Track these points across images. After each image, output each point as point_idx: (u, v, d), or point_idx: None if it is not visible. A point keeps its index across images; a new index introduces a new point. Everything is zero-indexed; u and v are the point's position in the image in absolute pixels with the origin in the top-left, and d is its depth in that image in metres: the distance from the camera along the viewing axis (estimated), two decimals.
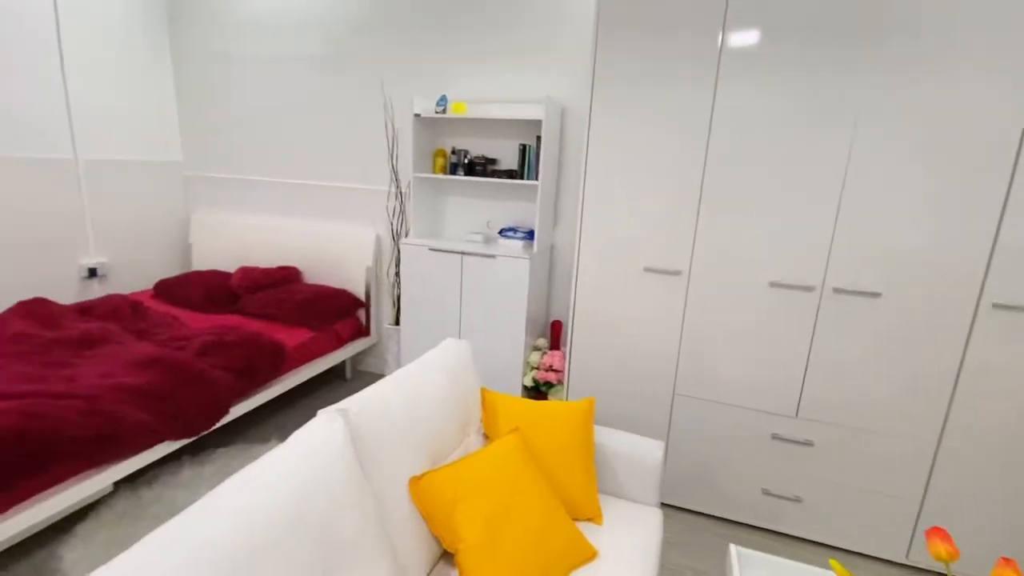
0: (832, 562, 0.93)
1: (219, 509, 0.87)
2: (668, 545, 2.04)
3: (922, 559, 1.95)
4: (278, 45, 3.27)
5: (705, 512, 2.22)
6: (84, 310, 2.71)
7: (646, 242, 2.08)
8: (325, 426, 1.13)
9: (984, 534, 1.85)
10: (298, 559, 0.92)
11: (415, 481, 1.28)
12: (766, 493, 2.10)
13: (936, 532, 0.90)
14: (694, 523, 2.18)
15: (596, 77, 2.02)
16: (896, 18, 1.64)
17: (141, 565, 0.76)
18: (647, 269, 2.10)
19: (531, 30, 2.71)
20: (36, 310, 2.58)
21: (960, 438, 1.81)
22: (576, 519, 1.51)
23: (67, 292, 3.10)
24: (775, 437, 2.05)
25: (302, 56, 3.22)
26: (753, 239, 1.93)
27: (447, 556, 1.37)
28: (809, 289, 1.90)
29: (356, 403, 1.23)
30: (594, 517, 1.51)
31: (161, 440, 1.99)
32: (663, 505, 2.28)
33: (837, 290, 1.87)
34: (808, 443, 2.01)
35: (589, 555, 1.35)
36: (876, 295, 1.82)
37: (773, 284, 1.94)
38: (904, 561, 1.97)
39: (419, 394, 1.39)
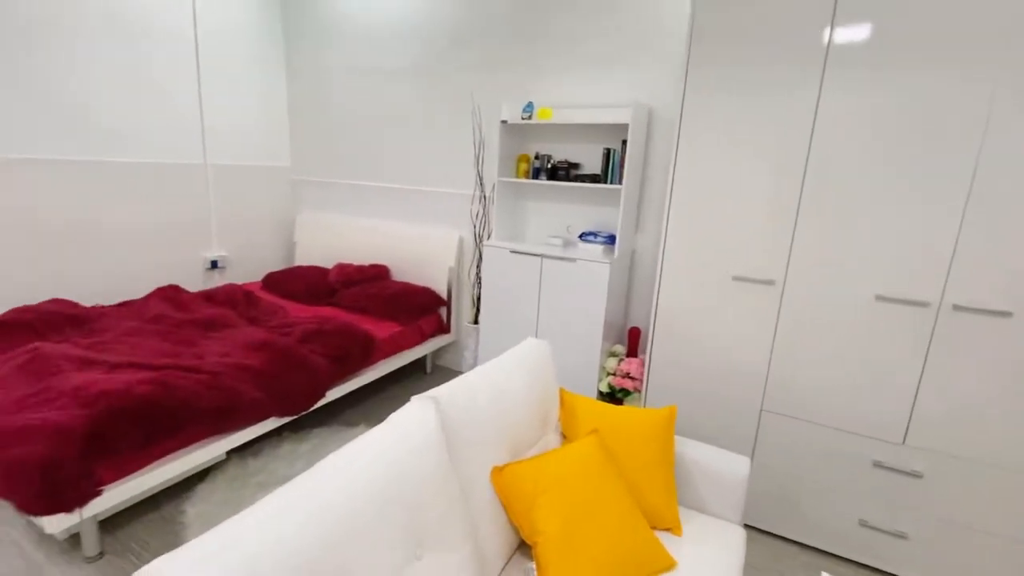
0: None
1: (325, 483, 0.96)
2: (748, 567, 1.95)
3: None
4: (377, 58, 3.51)
5: (791, 538, 2.09)
6: (207, 297, 3.07)
7: (737, 250, 2.00)
8: (418, 411, 1.21)
9: None
10: (393, 534, 1.00)
11: (498, 471, 1.33)
12: (864, 525, 1.94)
13: None
14: (778, 548, 2.06)
15: (688, 82, 1.98)
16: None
17: (264, 522, 0.86)
18: (736, 278, 2.02)
19: (618, 34, 2.71)
20: (170, 295, 2.97)
21: None
22: (654, 528, 1.49)
23: (194, 280, 3.53)
24: (877, 465, 1.89)
25: (398, 68, 3.44)
26: (858, 249, 1.79)
27: (524, 548, 1.40)
28: (923, 305, 1.73)
29: (446, 392, 1.31)
30: (673, 528, 1.48)
31: (268, 416, 2.21)
32: (746, 527, 2.17)
33: (957, 307, 1.69)
34: (916, 474, 1.83)
35: (667, 565, 1.33)
36: (1007, 315, 1.63)
37: (880, 298, 1.79)
38: None
39: (502, 388, 1.45)
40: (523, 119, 2.81)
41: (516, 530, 1.35)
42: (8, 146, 2.62)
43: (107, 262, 3.08)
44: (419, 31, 3.31)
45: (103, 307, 2.82)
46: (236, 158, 3.71)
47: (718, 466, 1.61)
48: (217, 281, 3.66)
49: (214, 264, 3.64)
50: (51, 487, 1.57)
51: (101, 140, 2.97)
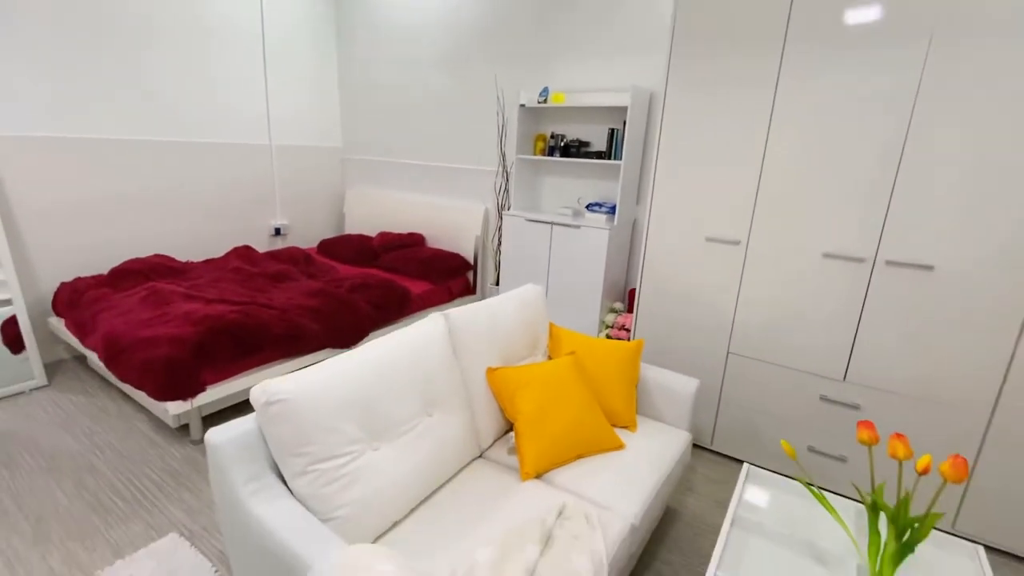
0: (783, 443, 1.23)
1: (371, 350, 1.44)
2: (708, 481, 2.34)
3: (970, 529, 2.01)
4: (416, 50, 3.96)
5: (754, 462, 2.45)
6: (274, 256, 3.67)
7: (709, 214, 2.34)
8: (433, 321, 1.68)
9: None
10: (413, 391, 1.48)
11: (491, 371, 1.78)
12: (812, 450, 2.29)
13: (864, 424, 1.17)
14: (739, 469, 2.43)
15: (671, 72, 2.32)
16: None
17: (333, 367, 1.34)
18: (709, 238, 2.37)
19: (623, 26, 3.03)
20: (244, 253, 3.58)
21: (1013, 415, 1.86)
22: (615, 425, 1.91)
23: (261, 244, 4.15)
24: (823, 398, 2.22)
25: (434, 59, 3.88)
26: (808, 213, 2.11)
27: (511, 432, 1.86)
28: (861, 260, 2.04)
29: (455, 312, 1.77)
30: (629, 425, 1.90)
31: (324, 347, 2.75)
32: (714, 452, 2.55)
33: (889, 262, 1.99)
34: (855, 406, 2.15)
35: (616, 445, 1.75)
36: (928, 268, 1.92)
37: (826, 255, 2.11)
38: (950, 530, 2.05)
39: (497, 314, 1.89)
40: (539, 103, 3.20)
41: (504, 415, 1.81)
42: (117, 129, 3.25)
43: (194, 227, 3.72)
44: (451, 26, 3.73)
45: (192, 262, 3.46)
46: (295, 139, 4.28)
47: (673, 385, 2.00)
48: (280, 246, 4.28)
49: (278, 231, 4.25)
50: (172, 380, 2.15)
51: (189, 125, 3.58)
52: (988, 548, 2.02)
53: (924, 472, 1.08)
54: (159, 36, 3.33)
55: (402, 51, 4.05)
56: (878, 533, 1.10)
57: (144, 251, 3.45)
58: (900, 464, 1.10)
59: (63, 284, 2.95)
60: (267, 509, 1.17)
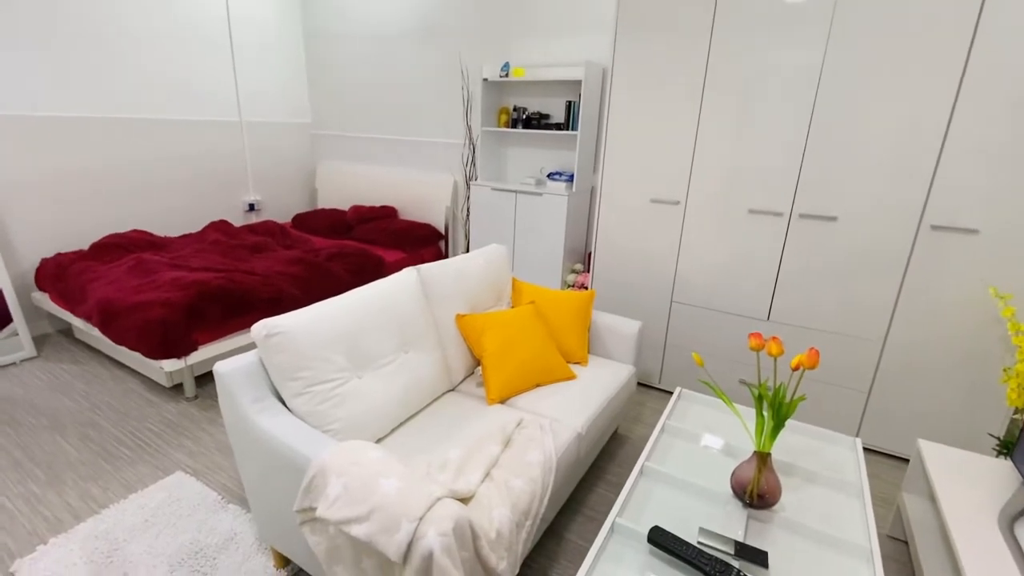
0: (694, 355, 1.53)
1: (354, 295, 1.67)
2: (655, 412, 2.66)
3: (872, 440, 2.39)
4: (381, 27, 4.07)
5: None
6: (251, 229, 3.80)
7: (653, 178, 2.61)
8: (407, 273, 1.91)
9: (912, 419, 2.27)
10: (391, 331, 1.72)
11: (460, 317, 2.03)
12: (743, 383, 2.63)
13: (753, 335, 1.47)
14: None
15: (617, 46, 2.55)
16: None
17: (322, 308, 1.57)
18: (653, 200, 2.64)
19: (579, 2, 3.23)
20: (222, 227, 3.70)
21: (899, 345, 2.22)
22: (569, 361, 2.19)
23: (236, 219, 4.26)
24: None
25: (399, 34, 4.00)
26: (737, 174, 2.40)
27: (479, 371, 2.12)
28: (780, 215, 2.35)
29: (426, 266, 2.00)
30: (581, 361, 2.19)
31: None
32: (661, 390, 2.88)
33: (802, 215, 2.30)
34: None
35: (569, 376, 2.04)
36: (833, 219, 2.24)
37: (752, 211, 2.41)
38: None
39: (464, 268, 2.14)
40: (501, 77, 3.39)
41: (472, 355, 2.07)
42: (88, 108, 3.31)
43: (169, 203, 3.81)
44: (415, 2, 3.85)
45: (171, 237, 3.57)
46: (265, 116, 4.36)
47: (619, 327, 2.29)
48: (254, 221, 4.39)
49: (251, 206, 4.36)
50: (167, 340, 2.33)
51: (158, 103, 3.64)
52: (882, 453, 2.41)
53: (796, 368, 1.38)
54: (124, 14, 3.36)
55: (368, 27, 4.15)
56: (763, 416, 1.41)
57: (120, 228, 3.55)
58: (775, 360, 1.40)
59: (44, 260, 3.04)
60: (272, 422, 1.40)
